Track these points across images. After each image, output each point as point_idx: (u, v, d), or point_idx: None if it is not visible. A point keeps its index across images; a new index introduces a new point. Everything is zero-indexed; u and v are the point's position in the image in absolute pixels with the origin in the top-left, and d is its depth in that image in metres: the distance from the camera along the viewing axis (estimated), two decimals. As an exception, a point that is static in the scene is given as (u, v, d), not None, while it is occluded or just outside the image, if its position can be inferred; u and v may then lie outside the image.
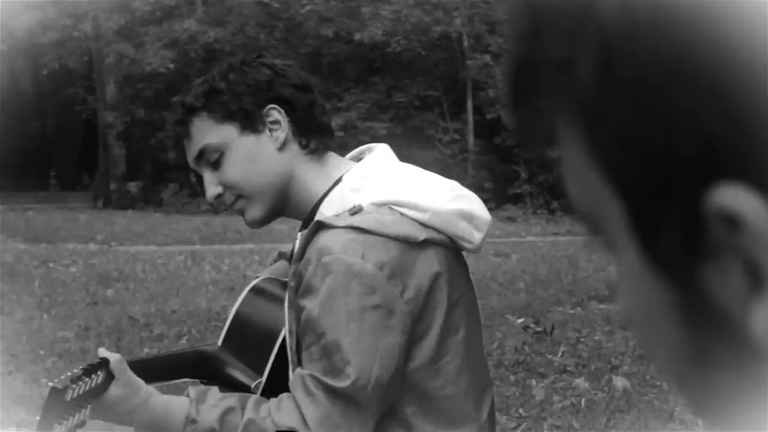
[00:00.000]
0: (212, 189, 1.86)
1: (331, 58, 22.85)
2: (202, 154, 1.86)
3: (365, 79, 22.50)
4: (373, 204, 1.74)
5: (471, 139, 21.59)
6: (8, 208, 20.29)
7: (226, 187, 1.86)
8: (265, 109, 1.83)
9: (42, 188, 26.91)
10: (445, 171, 1.97)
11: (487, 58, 20.89)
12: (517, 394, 5.71)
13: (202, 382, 1.99)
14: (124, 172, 24.60)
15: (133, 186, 24.35)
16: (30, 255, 12.43)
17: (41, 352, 6.66)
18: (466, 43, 21.61)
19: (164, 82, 22.24)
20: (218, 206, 1.94)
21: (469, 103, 21.60)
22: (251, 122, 1.83)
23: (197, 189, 21.79)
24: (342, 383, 1.66)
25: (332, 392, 1.67)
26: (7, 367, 6.14)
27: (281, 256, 2.16)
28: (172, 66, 21.61)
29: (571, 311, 8.23)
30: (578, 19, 0.40)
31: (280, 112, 1.84)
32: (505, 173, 20.92)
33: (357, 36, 21.06)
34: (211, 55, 20.95)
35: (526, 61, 0.44)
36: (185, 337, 7.20)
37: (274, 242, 13.90)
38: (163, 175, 23.18)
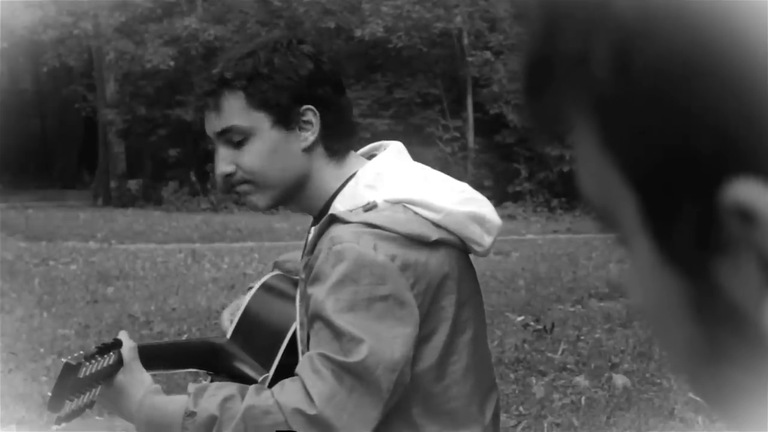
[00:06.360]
0: (224, 166, 1.83)
1: (332, 55, 22.78)
2: (225, 132, 1.82)
3: (366, 76, 22.48)
4: (387, 201, 1.74)
5: (471, 137, 21.58)
6: (8, 206, 20.28)
7: (241, 170, 1.82)
8: (301, 108, 1.81)
9: (42, 186, 26.90)
10: (446, 169, 1.97)
11: (488, 54, 20.89)
12: (517, 392, 5.70)
13: (208, 374, 1.98)
14: (124, 170, 24.57)
15: (133, 184, 24.33)
16: (30, 253, 12.42)
17: (41, 350, 6.65)
18: (466, 40, 21.60)
19: (164, 79, 22.22)
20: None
21: (470, 101, 21.58)
22: (285, 118, 1.81)
23: (197, 187, 21.83)
24: (351, 359, 1.64)
25: (340, 367, 1.64)
26: (7, 365, 6.13)
27: (276, 266, 2.16)
28: (172, 63, 21.57)
29: (571, 309, 8.22)
30: (594, 14, 0.40)
31: (315, 114, 1.81)
32: (505, 171, 20.91)
33: (358, 33, 21.05)
34: (211, 53, 20.92)
35: (541, 56, 0.43)
36: (185, 335, 7.20)
37: (274, 240, 13.90)
38: (164, 173, 23.17)
